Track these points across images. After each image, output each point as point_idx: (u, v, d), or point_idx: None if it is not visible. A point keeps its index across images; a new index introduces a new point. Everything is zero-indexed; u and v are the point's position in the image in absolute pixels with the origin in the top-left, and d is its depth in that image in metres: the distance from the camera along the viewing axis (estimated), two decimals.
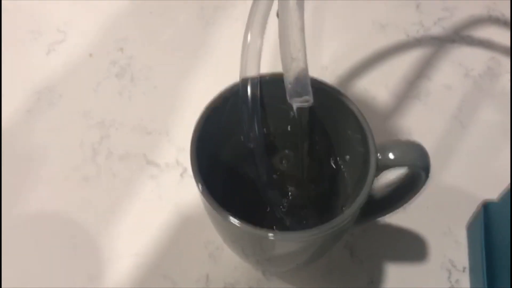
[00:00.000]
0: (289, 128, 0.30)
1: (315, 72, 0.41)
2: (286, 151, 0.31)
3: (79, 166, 0.36)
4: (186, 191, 0.35)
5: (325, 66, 0.41)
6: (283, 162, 0.31)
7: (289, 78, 0.25)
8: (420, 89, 0.40)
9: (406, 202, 0.29)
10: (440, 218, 0.35)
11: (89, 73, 0.40)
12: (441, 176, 0.36)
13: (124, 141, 0.37)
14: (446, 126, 0.39)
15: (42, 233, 0.34)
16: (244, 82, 0.27)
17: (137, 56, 0.41)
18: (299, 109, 0.26)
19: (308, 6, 0.44)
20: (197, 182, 0.25)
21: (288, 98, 0.25)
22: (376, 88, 0.40)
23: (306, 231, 0.24)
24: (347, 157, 0.29)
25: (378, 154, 0.26)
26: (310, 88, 0.25)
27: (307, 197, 0.30)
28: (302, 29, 0.24)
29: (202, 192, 0.25)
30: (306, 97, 0.25)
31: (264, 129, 0.29)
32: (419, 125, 0.38)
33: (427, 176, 0.27)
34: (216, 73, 0.40)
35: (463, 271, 0.33)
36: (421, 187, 0.28)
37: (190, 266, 0.33)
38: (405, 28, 0.43)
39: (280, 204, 0.30)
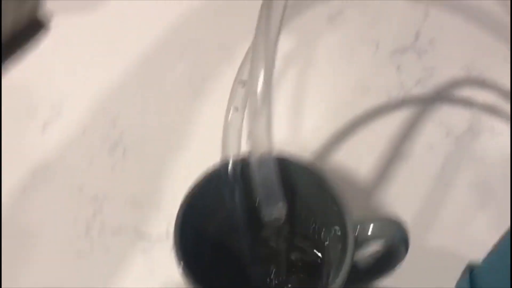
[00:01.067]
0: None
1: (300, 138, 0.42)
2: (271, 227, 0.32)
3: (73, 241, 0.37)
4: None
5: (309, 130, 0.42)
6: (269, 237, 0.31)
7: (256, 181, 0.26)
8: (403, 149, 0.41)
9: (388, 272, 0.30)
10: (429, 281, 0.35)
11: (82, 149, 0.42)
12: (428, 238, 0.37)
13: (117, 215, 0.39)
14: (430, 187, 0.39)
15: None
16: (225, 161, 0.28)
17: (129, 130, 0.43)
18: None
19: (291, 71, 0.46)
20: (178, 260, 0.26)
21: (262, 218, 0.26)
22: (360, 149, 0.41)
23: None
24: (330, 231, 0.30)
25: (358, 229, 0.27)
26: (280, 196, 0.26)
27: (293, 271, 0.31)
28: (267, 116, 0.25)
29: (183, 271, 0.26)
30: (277, 216, 0.26)
31: (250, 205, 0.30)
32: (404, 187, 0.39)
33: (406, 249, 0.28)
34: (206, 144, 0.41)
35: None
36: (401, 259, 0.28)
37: None
38: (387, 89, 0.45)
39: (265, 279, 0.30)
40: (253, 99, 0.25)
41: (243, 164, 0.28)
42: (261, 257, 0.31)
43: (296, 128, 0.43)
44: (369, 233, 0.26)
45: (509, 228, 0.28)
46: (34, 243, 0.38)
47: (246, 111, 0.27)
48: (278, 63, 0.46)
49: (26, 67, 0.46)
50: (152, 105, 0.45)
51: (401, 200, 0.39)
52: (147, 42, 0.48)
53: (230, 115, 0.28)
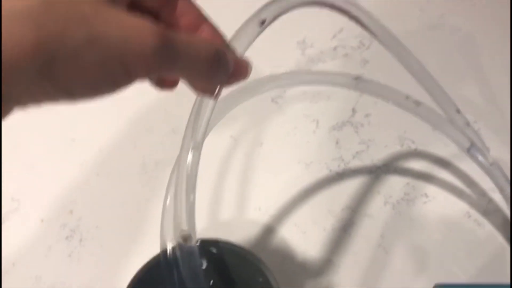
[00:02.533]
0: None
1: (249, 213, 0.45)
2: None
3: None
4: None
5: (258, 207, 0.45)
6: None
7: (176, 228, 0.28)
8: (345, 220, 0.44)
9: None
10: None
11: (40, 238, 0.44)
12: None
13: None
14: (370, 253, 0.42)
15: None
16: (163, 248, 0.30)
17: (86, 217, 0.45)
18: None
19: (240, 152, 0.49)
20: None
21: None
22: (305, 224, 0.44)
23: None
24: None
25: None
26: (194, 237, 0.28)
27: None
28: (191, 191, 0.28)
29: None
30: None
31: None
32: (347, 254, 0.42)
33: None
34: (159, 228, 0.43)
35: None
36: None
37: None
38: (327, 163, 0.48)
39: None
40: (178, 190, 0.27)
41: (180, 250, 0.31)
42: None
43: (246, 208, 0.45)
44: None
45: None
46: None
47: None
48: (229, 142, 0.50)
49: None
50: (108, 192, 0.47)
51: (344, 268, 0.41)
52: (103, 134, 0.51)
53: (167, 202, 0.31)
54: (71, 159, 0.49)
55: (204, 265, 0.29)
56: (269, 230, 0.44)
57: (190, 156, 0.29)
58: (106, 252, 0.43)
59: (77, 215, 0.45)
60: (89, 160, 0.49)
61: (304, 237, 0.43)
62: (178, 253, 0.28)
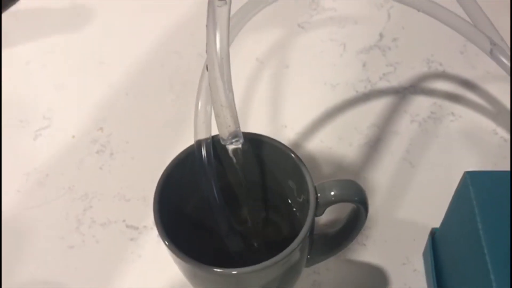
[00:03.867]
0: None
1: (275, 130, 0.45)
2: (246, 202, 0.34)
3: (65, 236, 0.40)
4: (164, 249, 0.38)
5: (284, 125, 0.46)
6: (244, 212, 0.34)
7: (220, 124, 0.29)
8: (371, 136, 0.44)
9: (355, 236, 0.32)
10: (398, 250, 0.38)
11: (72, 152, 0.45)
12: (396, 211, 0.40)
13: (106, 210, 0.41)
14: (396, 167, 0.42)
15: None
16: (198, 143, 0.31)
17: (116, 134, 0.46)
18: (233, 150, 0.30)
19: (266, 73, 0.49)
20: (162, 238, 0.29)
21: (221, 142, 0.29)
22: (331, 140, 0.44)
23: (251, 266, 0.27)
24: (298, 199, 0.33)
25: (318, 194, 0.29)
26: (240, 130, 0.29)
27: (267, 241, 0.34)
28: (227, 82, 0.28)
29: (168, 246, 0.28)
30: (237, 138, 0.29)
31: (224, 183, 0.33)
32: (373, 168, 0.42)
33: (366, 209, 0.30)
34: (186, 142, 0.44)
35: None
36: (363, 220, 0.31)
37: None
38: (354, 85, 0.48)
39: (242, 251, 0.33)
40: (213, 89, 0.28)
41: (214, 146, 0.31)
42: (238, 232, 0.34)
43: (273, 125, 0.46)
44: (331, 193, 0.29)
45: (454, 193, 0.31)
46: (30, 239, 0.40)
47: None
48: (255, 64, 0.50)
49: (18, 82, 0.50)
50: (137, 111, 0.48)
51: (372, 180, 0.42)
52: (130, 57, 0.51)
53: (199, 105, 0.31)
54: (100, 80, 0.50)
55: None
56: (295, 146, 0.44)
57: (218, 44, 0.28)
58: (137, 164, 0.44)
59: (107, 131, 0.46)
60: (118, 81, 0.50)
61: (330, 152, 0.44)
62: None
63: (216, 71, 0.27)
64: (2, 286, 0.37)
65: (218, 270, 0.27)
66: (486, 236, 0.26)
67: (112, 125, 0.47)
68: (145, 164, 0.44)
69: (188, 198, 0.33)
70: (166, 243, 0.28)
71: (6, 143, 0.46)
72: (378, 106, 0.47)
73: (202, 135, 0.31)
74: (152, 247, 0.39)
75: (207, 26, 0.26)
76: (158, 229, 0.29)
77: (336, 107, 0.47)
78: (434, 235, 0.35)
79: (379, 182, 0.42)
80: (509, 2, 0.50)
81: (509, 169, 0.39)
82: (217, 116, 0.29)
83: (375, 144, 0.44)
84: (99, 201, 0.42)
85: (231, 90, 0.28)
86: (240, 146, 0.29)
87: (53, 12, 0.56)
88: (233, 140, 0.29)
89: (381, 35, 0.52)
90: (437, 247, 0.35)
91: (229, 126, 0.29)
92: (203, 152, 0.31)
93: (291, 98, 0.48)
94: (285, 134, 0.45)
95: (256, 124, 0.46)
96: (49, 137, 0.46)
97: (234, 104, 0.28)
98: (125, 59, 0.51)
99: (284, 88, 0.49)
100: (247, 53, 0.51)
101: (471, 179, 0.28)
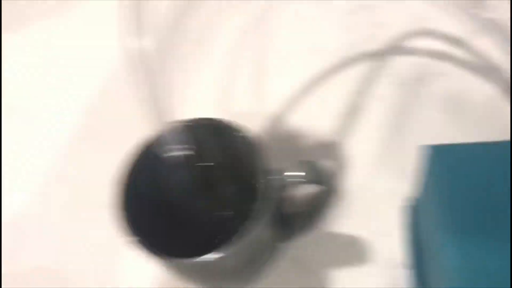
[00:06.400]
0: None
1: (256, 101, 0.45)
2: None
3: None
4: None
5: (265, 97, 0.45)
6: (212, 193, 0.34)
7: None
8: (357, 103, 0.43)
9: (325, 215, 0.32)
10: (379, 220, 0.38)
11: None
12: (379, 180, 0.39)
13: None
14: (378, 133, 0.41)
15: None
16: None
17: None
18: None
19: (248, 41, 0.48)
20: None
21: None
22: (314, 109, 0.43)
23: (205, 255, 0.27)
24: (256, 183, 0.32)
25: (272, 176, 0.29)
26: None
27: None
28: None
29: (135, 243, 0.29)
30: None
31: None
32: (354, 136, 0.42)
33: (331, 191, 0.30)
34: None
35: (403, 267, 0.36)
36: (329, 198, 0.31)
37: None
38: (336, 49, 0.47)
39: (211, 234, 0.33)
40: None
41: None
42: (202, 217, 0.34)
43: (256, 93, 0.45)
44: (301, 173, 0.28)
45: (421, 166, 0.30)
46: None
47: None
48: (237, 33, 0.49)
49: None
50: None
51: (353, 148, 0.41)
52: None
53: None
54: None
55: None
56: (276, 117, 0.44)
57: None
58: None
59: None
60: None
61: (314, 121, 0.43)
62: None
63: None
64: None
65: (176, 259, 0.27)
66: (442, 211, 0.25)
67: None
68: None
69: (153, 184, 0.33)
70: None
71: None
72: (363, 70, 0.45)
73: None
74: None
75: None
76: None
77: (317, 73, 0.45)
78: (413, 205, 0.35)
79: (361, 149, 0.41)
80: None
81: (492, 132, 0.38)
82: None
83: (357, 110, 0.43)
84: None
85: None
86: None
87: None
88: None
89: None
90: (416, 217, 0.34)
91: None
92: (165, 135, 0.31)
93: (272, 66, 0.47)
94: (267, 105, 0.44)
95: (237, 94, 0.45)
96: None
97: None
98: None
99: (264, 56, 0.47)
100: (224, 22, 0.50)
101: (435, 153, 0.28)
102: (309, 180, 0.29)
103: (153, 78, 0.29)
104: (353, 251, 0.37)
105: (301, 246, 0.37)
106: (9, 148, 0.46)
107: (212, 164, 0.32)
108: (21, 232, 0.41)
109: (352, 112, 0.43)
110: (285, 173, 0.29)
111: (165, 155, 0.31)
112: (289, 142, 0.42)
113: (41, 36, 0.52)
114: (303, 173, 0.29)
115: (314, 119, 0.43)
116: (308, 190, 0.32)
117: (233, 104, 0.46)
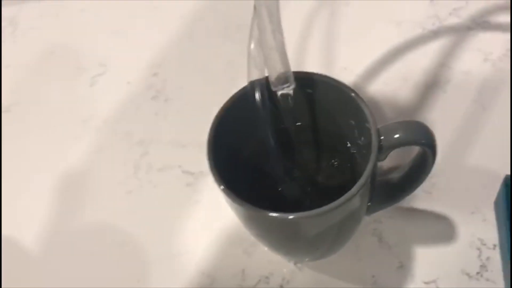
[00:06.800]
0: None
1: (335, 72, 0.43)
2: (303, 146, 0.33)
3: (123, 181, 0.40)
4: (219, 195, 0.37)
5: (344, 67, 0.43)
6: (301, 155, 0.33)
7: (270, 69, 0.27)
8: (439, 77, 0.41)
9: (420, 182, 0.30)
10: (467, 198, 0.36)
11: (128, 98, 0.45)
12: (466, 157, 0.37)
13: (162, 155, 0.41)
14: (467, 109, 0.39)
15: (95, 242, 0.38)
16: (251, 85, 0.29)
17: (170, 79, 0.45)
18: (282, 95, 0.28)
19: (324, 12, 0.46)
20: (216, 182, 0.28)
21: (272, 87, 0.27)
22: (395, 82, 0.41)
23: (309, 211, 0.25)
24: (358, 142, 0.31)
25: (381, 136, 0.27)
26: (291, 75, 0.27)
27: (326, 186, 0.32)
28: (276, 23, 0.26)
29: (223, 190, 0.27)
30: (288, 84, 0.27)
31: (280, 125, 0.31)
32: (441, 111, 0.39)
33: (433, 153, 0.28)
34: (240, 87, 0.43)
35: (494, 248, 0.34)
36: (431, 165, 0.29)
37: (227, 263, 0.35)
38: (420, 22, 0.44)
39: (300, 197, 0.32)
40: (262, 30, 0.26)
41: (268, 87, 0.29)
42: (296, 177, 0.32)
43: (332, 63, 0.43)
44: (396, 136, 0.27)
45: None
46: (89, 185, 0.41)
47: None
48: (313, 2, 0.47)
49: (73, 30, 0.50)
50: (191, 55, 0.46)
51: (441, 123, 0.39)
52: (184, 1, 0.50)
53: (252, 46, 0.30)
54: (153, 25, 0.49)
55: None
56: (356, 89, 0.42)
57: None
58: (192, 110, 0.43)
59: (162, 77, 0.45)
60: (172, 26, 0.48)
61: (394, 94, 0.41)
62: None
63: (264, 12, 0.25)
64: (64, 226, 0.38)
65: (274, 214, 0.26)
66: None
67: (166, 71, 0.46)
68: (201, 110, 0.42)
69: (244, 142, 0.32)
70: (222, 187, 0.27)
71: (64, 90, 0.46)
72: (447, 45, 0.43)
73: (255, 76, 0.29)
74: (208, 193, 0.38)
75: None
76: (212, 172, 0.28)
77: (401, 47, 0.43)
78: (509, 182, 0.33)
79: (448, 126, 0.39)
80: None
81: None
82: (266, 59, 0.27)
83: (444, 85, 0.41)
84: (155, 146, 0.42)
85: (280, 32, 0.26)
86: (291, 92, 0.28)
87: None
88: (284, 86, 0.27)
89: None
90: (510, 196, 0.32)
91: (279, 70, 0.27)
92: (257, 93, 0.29)
93: (351, 37, 0.45)
94: (345, 77, 0.42)
95: (313, 66, 0.44)
96: (105, 84, 0.46)
97: (284, 46, 0.26)
98: (179, 3, 0.50)
99: (344, 27, 0.46)
100: None
101: None
102: (410, 141, 0.27)
103: None
104: (437, 229, 0.35)
105: (381, 219, 0.35)
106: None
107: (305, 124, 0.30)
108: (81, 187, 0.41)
109: (441, 86, 0.41)
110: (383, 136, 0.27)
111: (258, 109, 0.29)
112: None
113: None
114: (403, 134, 0.27)
115: (396, 92, 0.41)
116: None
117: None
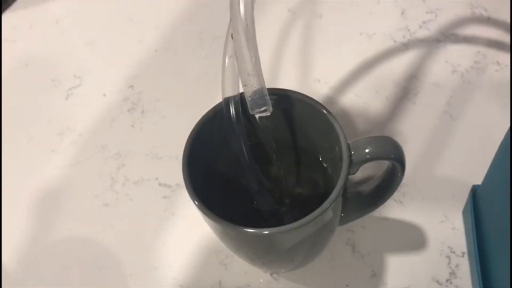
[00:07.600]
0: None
1: (308, 85, 0.44)
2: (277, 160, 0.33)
3: (100, 194, 0.40)
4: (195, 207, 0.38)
5: (317, 79, 0.44)
6: (275, 170, 0.33)
7: (248, 93, 0.27)
8: (409, 89, 0.42)
9: (390, 194, 0.31)
10: (436, 207, 0.37)
11: (103, 111, 0.45)
12: (436, 167, 0.38)
13: (138, 168, 0.41)
14: (436, 121, 0.40)
15: (71, 255, 0.38)
16: (226, 101, 0.30)
17: (146, 91, 0.45)
18: (261, 118, 0.29)
19: (298, 25, 0.47)
20: (191, 198, 0.28)
21: (249, 110, 0.28)
22: (367, 94, 0.43)
23: (283, 226, 0.26)
24: (329, 156, 0.31)
25: (352, 151, 0.28)
26: (268, 100, 0.27)
27: (299, 200, 0.33)
28: (252, 49, 0.26)
29: (198, 206, 0.28)
30: (265, 107, 0.27)
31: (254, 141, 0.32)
32: (411, 122, 0.41)
33: (402, 167, 0.29)
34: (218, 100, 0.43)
35: (462, 256, 0.35)
36: (400, 178, 0.30)
37: (204, 275, 0.36)
38: (391, 34, 0.46)
39: (274, 211, 0.32)
40: (239, 57, 0.26)
41: (242, 103, 0.30)
42: (268, 190, 0.33)
43: (305, 76, 0.44)
44: (366, 151, 0.28)
45: (498, 148, 0.29)
46: (65, 198, 0.41)
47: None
48: (287, 15, 0.48)
49: (48, 40, 0.50)
50: (167, 68, 0.47)
51: (411, 134, 0.40)
52: (159, 12, 0.50)
53: (226, 61, 0.30)
54: (129, 37, 0.49)
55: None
56: (329, 101, 0.43)
57: (242, 7, 0.27)
58: (169, 122, 0.43)
59: (138, 89, 0.46)
60: (147, 37, 0.49)
61: (366, 106, 0.42)
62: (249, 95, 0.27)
63: (242, 38, 0.26)
64: (39, 241, 0.38)
65: (249, 230, 0.27)
66: None
67: (142, 82, 0.46)
68: (177, 122, 0.43)
69: (219, 157, 0.32)
70: (196, 202, 0.28)
71: (39, 103, 0.46)
72: (417, 57, 0.44)
73: (230, 93, 0.30)
74: (185, 205, 0.39)
75: None
76: (187, 188, 0.28)
77: (373, 59, 0.45)
78: (475, 192, 0.34)
79: (418, 137, 0.40)
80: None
81: None
82: (244, 85, 0.28)
83: (413, 97, 0.42)
84: (132, 159, 0.42)
85: (257, 57, 0.27)
86: (268, 114, 0.28)
87: None
88: (261, 109, 0.28)
89: None
90: (478, 204, 0.33)
91: (255, 87, 0.27)
92: (231, 109, 0.30)
93: (324, 50, 0.46)
94: (318, 89, 0.43)
95: (287, 79, 0.44)
96: (80, 96, 0.46)
97: (261, 72, 0.27)
98: (154, 15, 0.50)
99: (317, 40, 0.46)
100: (278, 4, 0.49)
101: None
102: (379, 156, 0.28)
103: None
104: (408, 237, 0.36)
105: (354, 229, 0.36)
106: None
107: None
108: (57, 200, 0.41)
109: (410, 97, 0.42)
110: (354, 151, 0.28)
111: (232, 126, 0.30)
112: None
113: None
114: (372, 149, 0.28)
115: (368, 104, 0.42)
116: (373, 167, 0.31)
117: (278, 85, 0.45)
